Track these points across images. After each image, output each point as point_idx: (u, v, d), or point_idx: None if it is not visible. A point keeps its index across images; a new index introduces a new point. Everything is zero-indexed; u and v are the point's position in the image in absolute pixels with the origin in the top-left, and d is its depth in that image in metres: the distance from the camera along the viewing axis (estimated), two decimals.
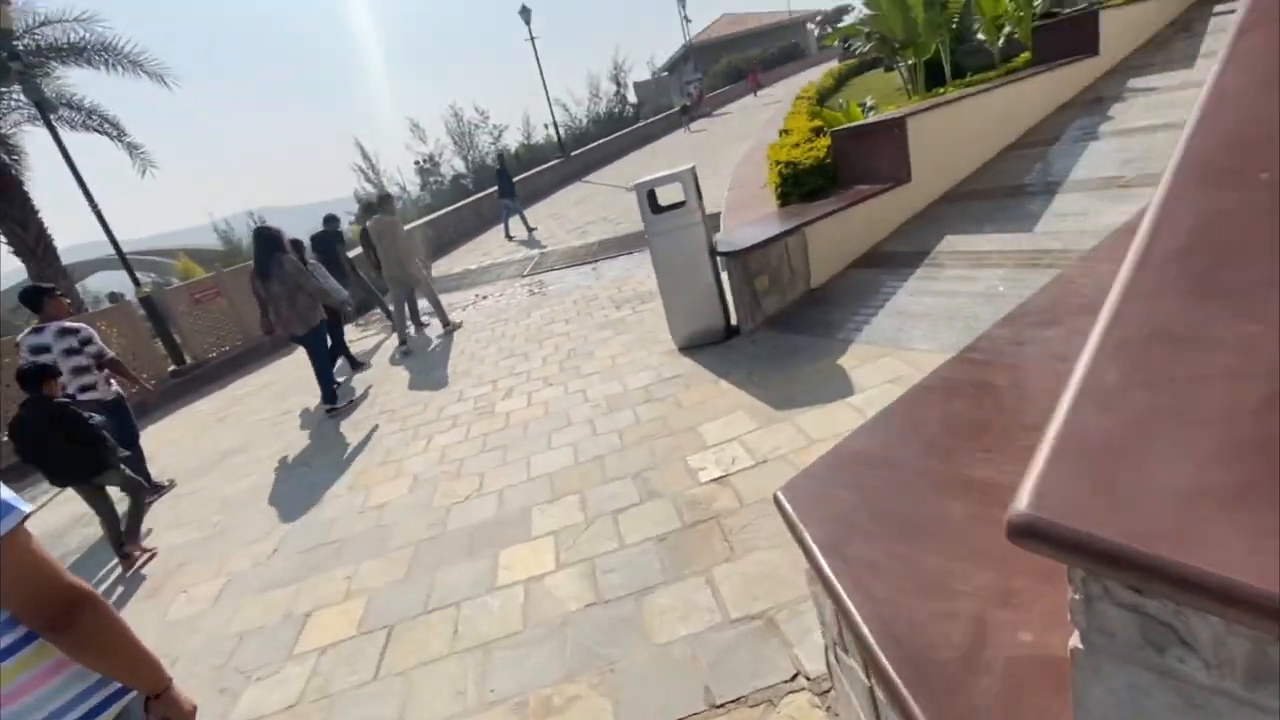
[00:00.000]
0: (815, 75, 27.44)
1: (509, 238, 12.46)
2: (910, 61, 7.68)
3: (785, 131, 8.34)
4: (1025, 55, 7.43)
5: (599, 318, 5.75)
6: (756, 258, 4.04)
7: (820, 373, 3.33)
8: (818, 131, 6.80)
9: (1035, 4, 9.77)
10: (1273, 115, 0.66)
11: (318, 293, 5.00)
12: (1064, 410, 0.56)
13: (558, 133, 22.71)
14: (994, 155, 5.77)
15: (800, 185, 5.13)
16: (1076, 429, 0.54)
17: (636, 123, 30.76)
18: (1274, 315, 0.52)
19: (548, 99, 21.49)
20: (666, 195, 4.19)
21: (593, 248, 9.41)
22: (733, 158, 13.87)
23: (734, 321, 4.26)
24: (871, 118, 5.79)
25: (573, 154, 21.04)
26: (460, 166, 27.13)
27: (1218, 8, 8.21)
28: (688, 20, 34.27)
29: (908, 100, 7.92)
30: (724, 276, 4.21)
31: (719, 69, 35.78)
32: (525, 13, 18.75)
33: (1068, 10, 8.27)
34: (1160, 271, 0.62)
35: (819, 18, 53.74)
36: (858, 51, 8.18)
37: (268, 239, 4.92)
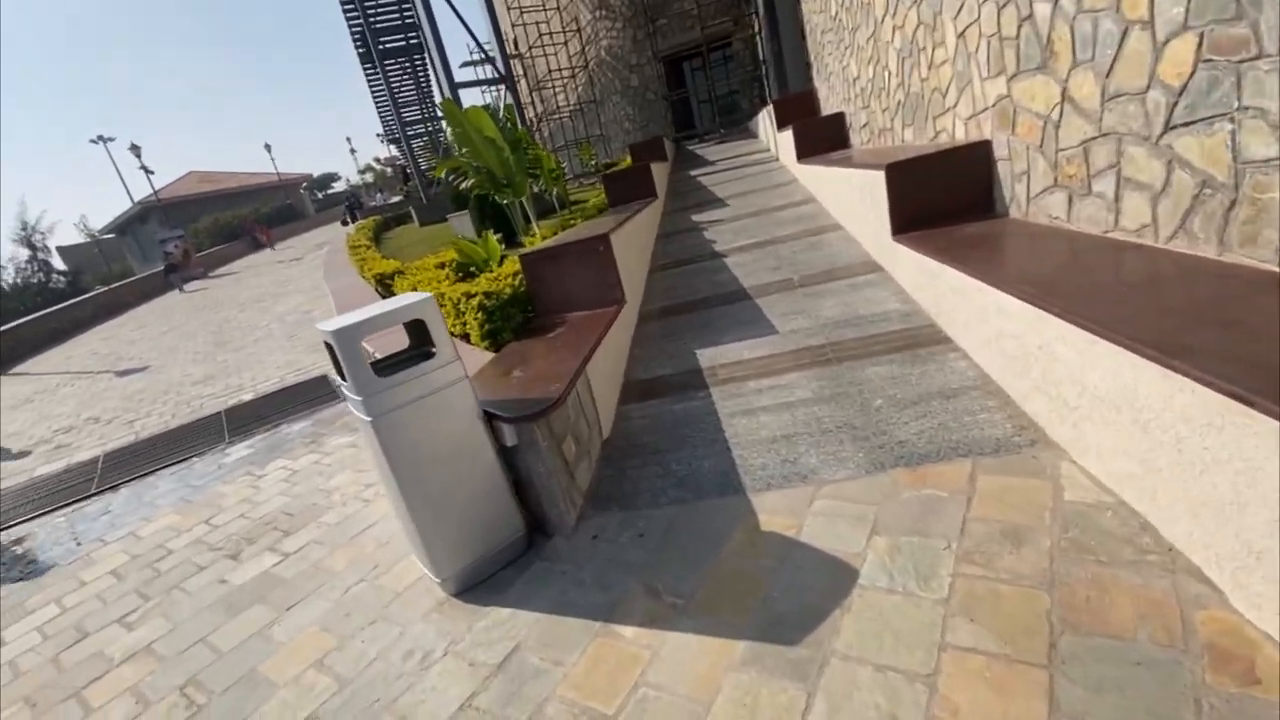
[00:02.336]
0: (330, 233, 26.19)
1: None
2: (506, 201, 7.54)
3: (390, 275, 7.01)
4: (600, 198, 8.24)
5: (213, 595, 3.15)
6: (560, 415, 2.70)
7: (759, 550, 2.25)
8: (458, 266, 5.82)
9: (564, 167, 11.38)
10: None
11: None
12: None
13: None
14: (646, 277, 5.89)
15: (509, 320, 4.00)
16: None
17: (76, 294, 23.24)
18: None
19: None
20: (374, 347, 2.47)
21: (91, 470, 5.73)
22: (280, 315, 11.31)
23: (540, 518, 2.74)
24: (556, 240, 5.15)
25: None
26: None
27: (693, 171, 11.09)
28: (149, 172, 28.19)
29: (517, 239, 7.71)
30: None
31: (202, 226, 30.47)
32: None
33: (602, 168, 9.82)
34: None
35: (304, 185, 52.94)
36: (462, 186, 7.61)
37: None
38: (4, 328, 15.17)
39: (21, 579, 4.01)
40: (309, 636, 2.55)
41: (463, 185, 7.18)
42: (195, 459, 5.49)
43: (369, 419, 2.30)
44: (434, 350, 2.46)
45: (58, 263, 37.19)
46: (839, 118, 7.69)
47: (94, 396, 8.70)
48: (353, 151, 73.94)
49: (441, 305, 4.81)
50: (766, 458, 2.76)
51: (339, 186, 61.11)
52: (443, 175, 8.18)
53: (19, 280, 32.08)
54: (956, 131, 4.23)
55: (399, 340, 2.71)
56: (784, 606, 1.98)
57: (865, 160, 4.96)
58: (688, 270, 5.78)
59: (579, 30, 18.30)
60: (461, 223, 12.47)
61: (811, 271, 4.80)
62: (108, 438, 6.62)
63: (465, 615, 2.40)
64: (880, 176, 4.09)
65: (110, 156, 34.65)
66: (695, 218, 7.69)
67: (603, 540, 2.57)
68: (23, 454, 6.98)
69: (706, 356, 3.92)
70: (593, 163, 15.11)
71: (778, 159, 10.03)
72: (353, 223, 24.25)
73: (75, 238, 42.74)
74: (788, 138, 8.56)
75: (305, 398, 6.40)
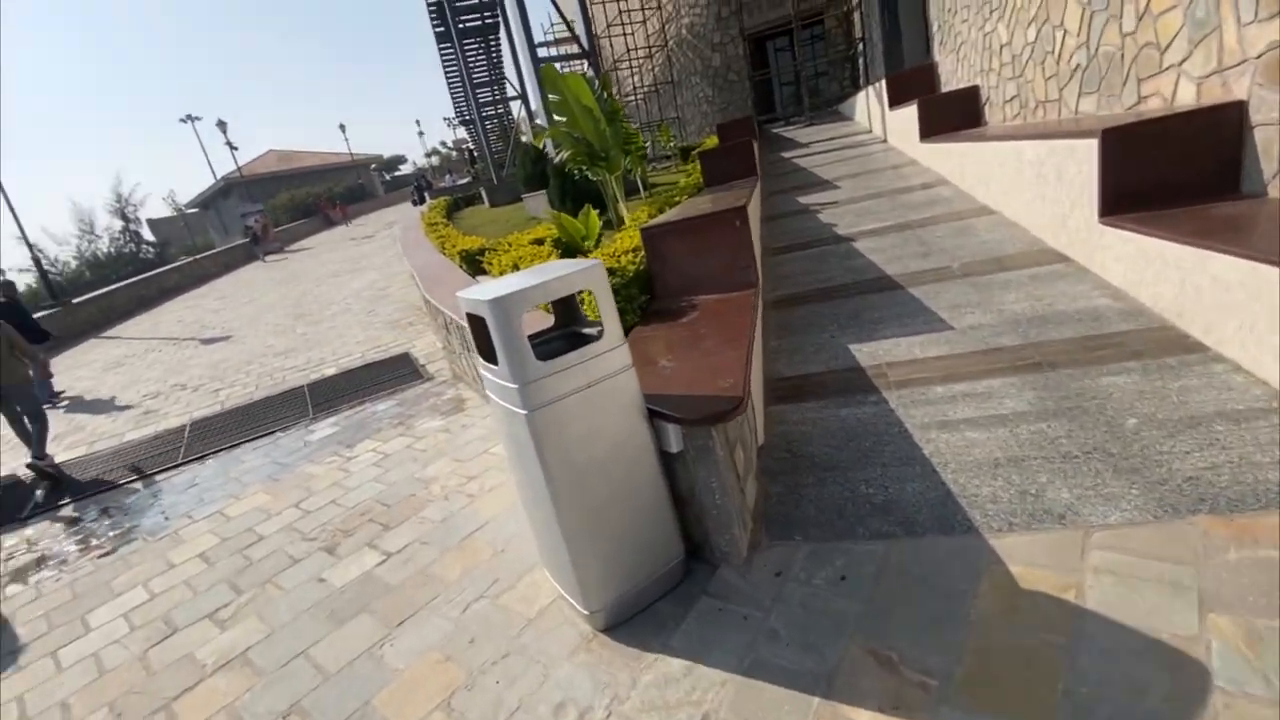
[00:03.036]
0: (398, 212, 26.54)
1: None
2: (599, 178, 7.07)
3: (478, 252, 6.67)
4: (693, 179, 7.66)
5: (311, 596, 2.80)
6: (737, 419, 2.19)
7: (1028, 618, 1.68)
8: (556, 242, 5.39)
9: (645, 148, 10.85)
10: None
11: None
12: None
13: (44, 276, 15.36)
14: (761, 260, 5.32)
15: (632, 301, 3.52)
16: None
17: (163, 264, 24.24)
18: None
19: (19, 226, 14.35)
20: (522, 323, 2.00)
21: (178, 438, 5.59)
22: (356, 290, 11.26)
23: (698, 542, 2.25)
24: (677, 213, 4.64)
25: (75, 302, 14.37)
26: None
27: (785, 153, 10.40)
28: (234, 148, 29.26)
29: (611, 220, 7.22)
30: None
31: (279, 203, 31.44)
32: None
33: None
34: None
35: (374, 165, 54.30)
36: (558, 159, 7.20)
37: None
38: (100, 292, 15.84)
39: (109, 553, 3.81)
40: (430, 666, 2.14)
41: (558, 157, 6.74)
42: (280, 434, 5.27)
43: (525, 412, 1.83)
44: (596, 331, 1.98)
45: (147, 234, 39.21)
46: (971, 93, 6.88)
47: (180, 363, 8.76)
48: (420, 134, 76.52)
49: None
50: (994, 486, 2.18)
51: (405, 169, 62.39)
52: (541, 148, 7.74)
53: (113, 249, 33.92)
54: (1180, 94, 3.48)
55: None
56: (1107, 712, 1.41)
57: (1044, 131, 4.23)
58: (811, 254, 5.17)
59: (659, 8, 17.66)
60: (537, 202, 12.13)
61: (972, 259, 4.13)
62: (194, 406, 6.54)
63: (625, 662, 1.93)
64: (1083, 147, 3.40)
65: (197, 135, 36.27)
66: (803, 199, 7.05)
67: (790, 579, 2.05)
68: (129, 407, 7.02)
69: (865, 353, 3.33)
70: (671, 145, 14.51)
71: (884, 140, 9.24)
72: (423, 203, 24.46)
73: (163, 211, 45.00)
74: (904, 116, 7.80)
75: (387, 376, 6.14)
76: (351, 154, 41.94)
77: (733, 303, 3.44)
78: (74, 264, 32.18)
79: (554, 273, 1.92)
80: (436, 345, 6.70)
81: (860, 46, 13.57)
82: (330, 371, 6.63)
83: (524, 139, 24.23)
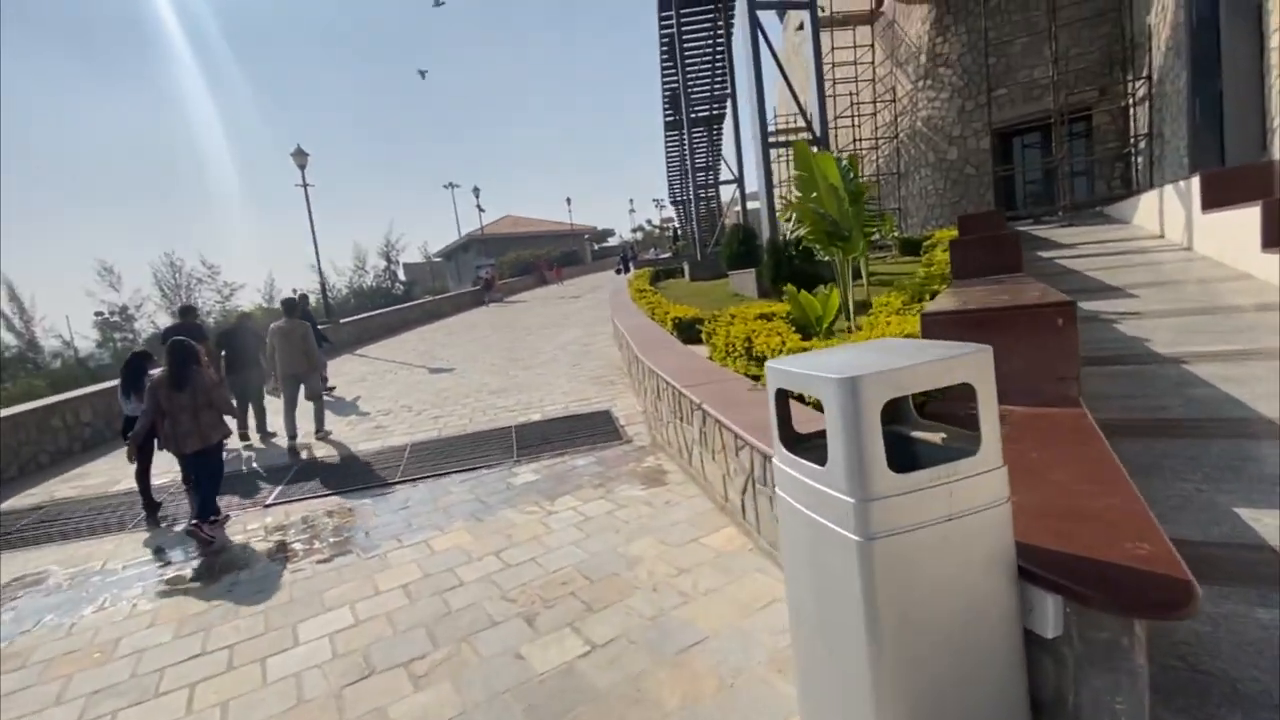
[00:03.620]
0: (603, 279, 28.57)
1: (266, 435, 7.43)
2: (826, 258, 6.60)
3: (692, 321, 6.48)
4: (935, 270, 6.85)
5: (508, 676, 2.47)
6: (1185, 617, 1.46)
7: None
8: (791, 320, 4.94)
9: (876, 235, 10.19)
10: None
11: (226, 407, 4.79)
12: None
13: (326, 297, 18.65)
14: None
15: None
16: None
17: (409, 300, 28.17)
18: None
19: (317, 256, 17.69)
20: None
21: (398, 457, 5.90)
22: (563, 343, 11.84)
23: None
24: (964, 300, 4.00)
25: (342, 321, 17.10)
26: (166, 324, 21.11)
27: (1042, 253, 9.10)
28: (481, 210, 34.18)
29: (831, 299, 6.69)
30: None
31: (506, 260, 35.67)
32: (301, 155, 15.58)
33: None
34: None
35: (587, 235, 59.88)
36: (793, 235, 6.94)
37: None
38: (361, 316, 18.80)
39: (326, 560, 3.93)
40: None
41: (793, 233, 6.42)
42: (485, 470, 5.33)
43: (859, 539, 1.32)
44: (939, 439, 1.43)
45: (401, 274, 46.68)
46: None
47: (410, 387, 9.70)
48: (631, 211, 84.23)
49: None
50: None
51: (613, 240, 67.77)
52: (787, 218, 7.54)
53: (375, 283, 40.73)
54: None
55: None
56: None
57: None
58: (1121, 372, 4.11)
59: (894, 100, 17.26)
60: (743, 279, 11.98)
61: None
62: (415, 428, 7.02)
63: None
64: None
65: (453, 199, 43.05)
66: (1087, 306, 5.87)
67: None
68: (365, 416, 7.80)
69: (1273, 527, 2.32)
70: (893, 235, 13.68)
71: (1187, 247, 7.62)
72: (627, 272, 26.03)
73: (416, 257, 53.49)
74: (1226, 220, 6.33)
75: (588, 430, 6.04)
76: (571, 224, 46.69)
77: (1057, 422, 2.67)
78: (345, 291, 39.10)
79: (922, 354, 1.42)
80: (636, 408, 6.53)
81: (1141, 143, 11.80)
82: (536, 417, 6.75)
83: (724, 221, 25.04)
